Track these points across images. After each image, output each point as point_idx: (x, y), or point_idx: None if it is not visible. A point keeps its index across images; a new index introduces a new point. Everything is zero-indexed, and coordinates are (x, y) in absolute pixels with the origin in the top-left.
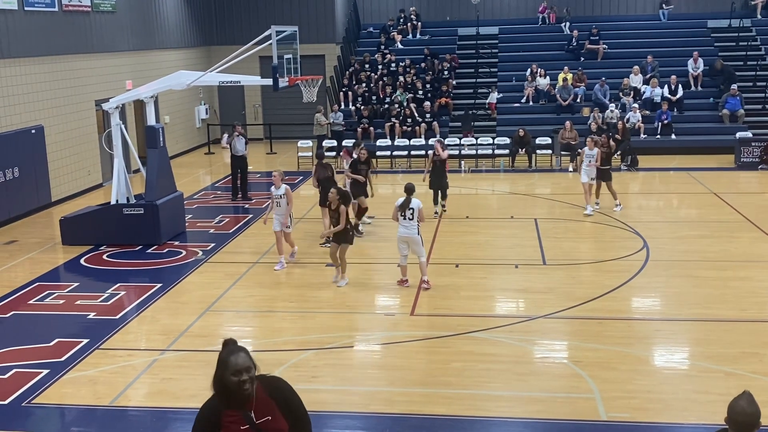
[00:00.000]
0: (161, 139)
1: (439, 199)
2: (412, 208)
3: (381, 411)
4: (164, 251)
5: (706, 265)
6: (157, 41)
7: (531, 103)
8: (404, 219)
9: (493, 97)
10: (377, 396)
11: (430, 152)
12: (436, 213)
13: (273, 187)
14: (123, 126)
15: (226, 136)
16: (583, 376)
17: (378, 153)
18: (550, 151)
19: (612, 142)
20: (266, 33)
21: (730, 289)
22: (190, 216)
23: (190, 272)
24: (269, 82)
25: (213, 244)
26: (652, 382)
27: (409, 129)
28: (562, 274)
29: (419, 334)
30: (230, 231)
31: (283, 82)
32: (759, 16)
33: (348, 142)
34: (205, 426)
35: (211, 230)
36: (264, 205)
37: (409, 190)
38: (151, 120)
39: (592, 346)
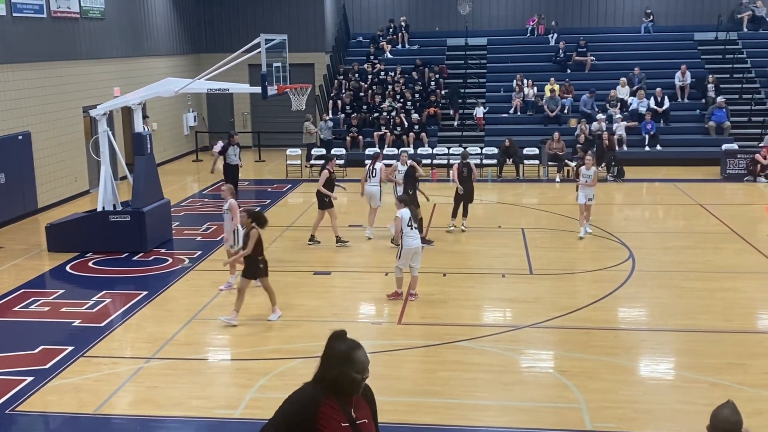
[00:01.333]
0: (149, 146)
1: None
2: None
3: None
4: (150, 259)
5: (692, 276)
6: (146, 48)
7: (519, 113)
8: (411, 230)
9: (480, 111)
10: None
11: (455, 163)
12: (452, 226)
13: None
14: (110, 133)
15: (220, 143)
16: (569, 385)
17: (367, 162)
18: (537, 162)
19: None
20: (255, 41)
21: (715, 300)
22: (177, 223)
23: (176, 280)
24: (258, 89)
25: (200, 252)
26: (638, 393)
27: (398, 138)
28: (548, 283)
29: (406, 343)
30: (217, 239)
31: (271, 90)
32: (745, 30)
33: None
34: (300, 414)
35: (198, 238)
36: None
37: (406, 201)
38: (138, 127)
39: (578, 355)
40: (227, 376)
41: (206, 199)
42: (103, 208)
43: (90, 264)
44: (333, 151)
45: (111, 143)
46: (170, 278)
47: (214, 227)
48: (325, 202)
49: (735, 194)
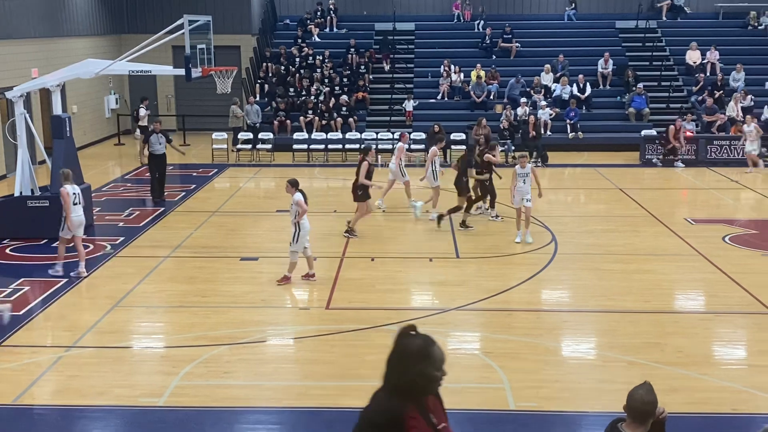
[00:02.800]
0: (68, 129)
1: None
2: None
3: (294, 405)
4: (71, 245)
5: (612, 259)
6: (65, 28)
7: (446, 99)
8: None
9: (410, 105)
10: (291, 390)
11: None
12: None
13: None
14: (28, 115)
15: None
16: (493, 366)
17: (294, 146)
18: (464, 147)
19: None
20: (179, 22)
21: (634, 282)
22: (99, 209)
23: (97, 267)
24: (182, 72)
25: (122, 238)
26: (560, 372)
27: (326, 123)
28: (474, 267)
29: (334, 328)
30: (140, 224)
31: (196, 73)
32: (664, 18)
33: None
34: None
35: (121, 224)
36: (176, 198)
37: (296, 184)
38: (57, 109)
39: (502, 337)
40: (151, 364)
41: (129, 184)
42: (21, 192)
43: (7, 251)
44: (260, 136)
45: (28, 126)
46: (92, 265)
47: (137, 212)
48: (361, 195)
49: (653, 179)
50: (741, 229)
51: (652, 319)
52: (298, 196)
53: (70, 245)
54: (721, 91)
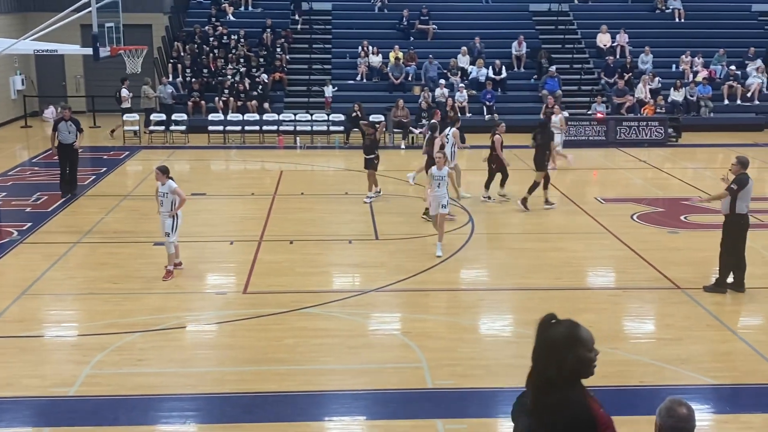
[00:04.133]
0: None
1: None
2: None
3: (211, 392)
4: None
5: (526, 238)
6: None
7: (365, 80)
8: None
9: (329, 91)
10: (207, 377)
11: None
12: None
13: None
14: None
15: (51, 108)
16: (411, 346)
17: (210, 128)
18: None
19: (377, 134)
20: None
21: (546, 260)
22: (5, 194)
23: (4, 254)
24: (90, 51)
25: (30, 224)
26: (476, 349)
27: (242, 104)
28: (393, 248)
29: (252, 312)
30: (49, 209)
31: (104, 52)
32: (576, 2)
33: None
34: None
35: (28, 209)
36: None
37: (166, 171)
38: None
39: (420, 317)
40: (61, 353)
41: (37, 168)
42: None
43: None
44: (174, 117)
45: None
46: None
47: (45, 197)
48: (539, 164)
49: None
50: (648, 207)
51: (563, 296)
52: (173, 184)
53: None
54: (630, 74)
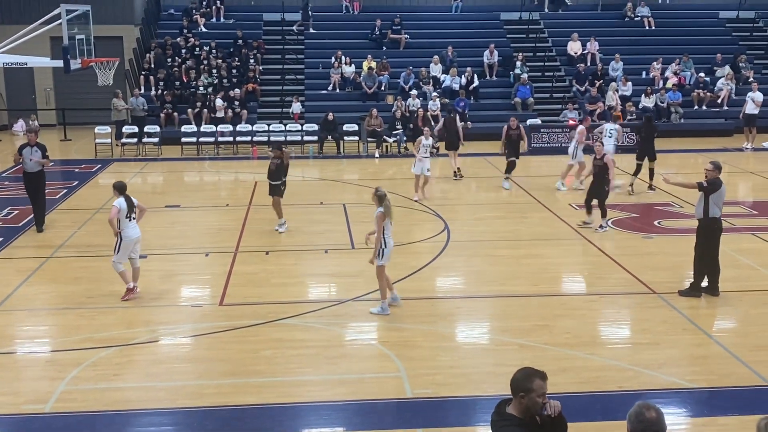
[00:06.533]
0: None
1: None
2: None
3: (189, 405)
4: None
5: (502, 244)
6: None
7: (338, 90)
8: (129, 221)
9: (297, 107)
10: (184, 390)
11: (504, 126)
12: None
13: None
14: None
15: (21, 122)
16: (390, 355)
17: (183, 140)
18: (357, 138)
19: (284, 158)
20: (56, 11)
21: (523, 266)
22: None
23: None
24: (60, 63)
25: (1, 239)
26: (454, 358)
27: (215, 115)
28: (369, 257)
29: (228, 324)
30: (20, 224)
31: (75, 64)
32: (546, 10)
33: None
34: None
35: None
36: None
37: (122, 188)
38: None
39: (398, 325)
40: (35, 370)
41: (6, 182)
42: None
43: None
44: (147, 128)
45: None
46: None
47: (16, 212)
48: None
49: (539, 166)
50: (622, 212)
51: (540, 302)
52: (115, 202)
53: None
54: (601, 81)
